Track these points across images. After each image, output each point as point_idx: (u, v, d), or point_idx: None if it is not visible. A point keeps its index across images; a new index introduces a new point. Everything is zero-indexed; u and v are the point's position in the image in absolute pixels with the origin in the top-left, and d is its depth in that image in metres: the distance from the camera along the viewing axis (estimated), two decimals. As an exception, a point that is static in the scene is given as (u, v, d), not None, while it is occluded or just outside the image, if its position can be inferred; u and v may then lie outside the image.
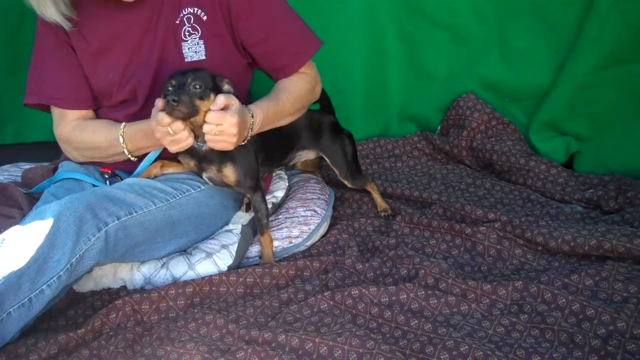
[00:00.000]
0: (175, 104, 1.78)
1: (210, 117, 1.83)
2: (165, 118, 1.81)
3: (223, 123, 1.83)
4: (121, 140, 2.04)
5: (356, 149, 2.49)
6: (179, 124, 1.83)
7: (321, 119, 2.40)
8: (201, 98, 1.84)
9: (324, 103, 2.45)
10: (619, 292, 1.88)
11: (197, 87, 1.84)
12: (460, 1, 3.05)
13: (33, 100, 2.16)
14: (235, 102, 1.86)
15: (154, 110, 1.87)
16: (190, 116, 1.84)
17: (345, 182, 2.47)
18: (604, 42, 2.67)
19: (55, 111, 2.18)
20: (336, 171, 2.43)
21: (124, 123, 2.05)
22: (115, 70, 2.09)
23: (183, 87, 1.83)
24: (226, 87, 1.95)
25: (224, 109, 1.84)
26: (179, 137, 1.86)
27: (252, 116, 1.96)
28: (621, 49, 2.65)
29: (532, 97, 3.03)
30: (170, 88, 1.85)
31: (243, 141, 1.96)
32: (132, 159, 2.11)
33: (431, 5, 3.08)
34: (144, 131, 2.00)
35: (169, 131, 1.83)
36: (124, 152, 2.08)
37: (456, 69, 3.20)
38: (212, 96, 1.86)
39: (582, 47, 2.76)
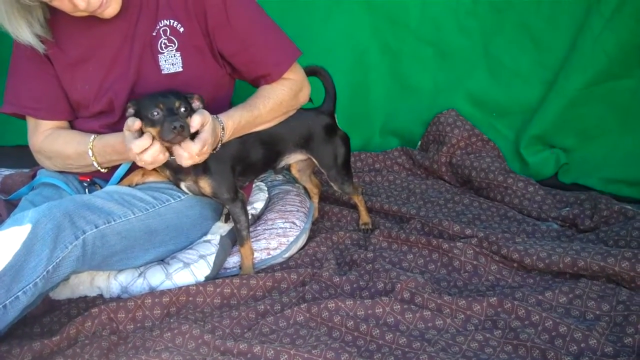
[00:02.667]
0: (183, 129, 1.78)
1: (188, 150, 1.84)
2: (142, 145, 1.81)
3: (200, 153, 1.85)
4: (90, 153, 2.04)
5: (349, 152, 2.43)
6: (156, 150, 1.83)
7: (313, 120, 2.33)
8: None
9: (329, 92, 2.38)
10: (592, 310, 1.90)
11: (184, 109, 1.85)
12: (444, 16, 3.08)
13: (9, 109, 2.17)
14: (208, 120, 1.87)
15: (128, 133, 1.85)
16: (183, 139, 1.84)
17: (333, 186, 2.43)
18: (596, 59, 2.74)
19: (30, 121, 2.18)
20: (324, 173, 2.39)
21: (93, 136, 2.05)
22: (92, 82, 2.09)
23: (173, 111, 1.82)
24: (196, 103, 1.94)
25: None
26: (156, 159, 1.87)
27: (223, 129, 1.98)
28: (612, 65, 2.72)
29: (519, 112, 3.06)
30: (157, 112, 1.82)
31: (213, 150, 1.96)
32: (103, 170, 2.11)
33: (415, 20, 3.11)
34: (113, 147, 2.01)
35: (145, 157, 1.84)
36: (93, 165, 2.08)
37: (441, 84, 3.21)
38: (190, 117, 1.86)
39: (574, 64, 2.82)
